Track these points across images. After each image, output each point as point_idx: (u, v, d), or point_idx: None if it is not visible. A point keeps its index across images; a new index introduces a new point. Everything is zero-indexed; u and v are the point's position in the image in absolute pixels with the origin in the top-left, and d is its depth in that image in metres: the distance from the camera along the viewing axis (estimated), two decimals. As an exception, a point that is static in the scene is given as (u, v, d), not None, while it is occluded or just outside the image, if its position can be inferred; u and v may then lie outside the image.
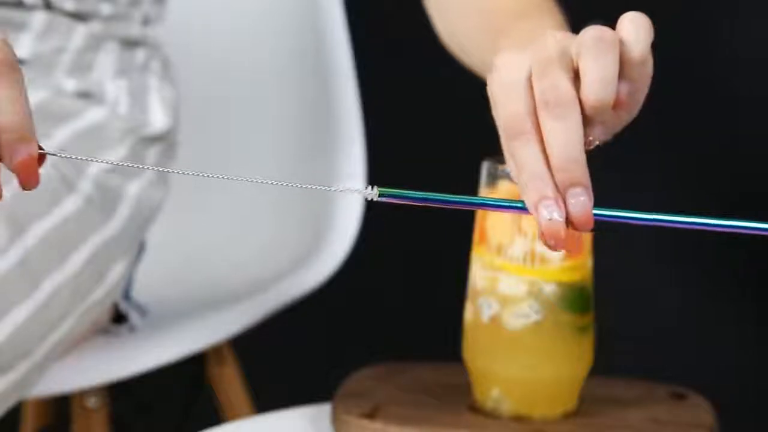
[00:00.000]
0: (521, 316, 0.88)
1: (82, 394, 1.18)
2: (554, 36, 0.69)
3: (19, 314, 0.97)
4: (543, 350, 0.88)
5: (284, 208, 1.42)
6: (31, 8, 1.07)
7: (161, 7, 1.18)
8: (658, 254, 1.70)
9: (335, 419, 0.90)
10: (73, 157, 0.71)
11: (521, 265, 0.88)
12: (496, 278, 0.88)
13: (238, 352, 1.35)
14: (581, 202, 0.65)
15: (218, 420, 1.23)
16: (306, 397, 1.05)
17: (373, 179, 1.38)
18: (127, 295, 1.20)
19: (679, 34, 1.58)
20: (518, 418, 0.89)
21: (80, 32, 1.10)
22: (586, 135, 0.67)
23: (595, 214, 0.66)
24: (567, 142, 0.65)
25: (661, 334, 1.70)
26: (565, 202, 0.65)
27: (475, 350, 0.90)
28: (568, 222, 0.65)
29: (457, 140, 1.63)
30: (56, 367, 1.10)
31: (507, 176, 0.87)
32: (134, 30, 1.14)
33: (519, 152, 0.66)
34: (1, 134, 0.63)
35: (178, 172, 0.68)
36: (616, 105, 0.67)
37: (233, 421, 0.98)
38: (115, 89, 1.11)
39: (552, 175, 0.65)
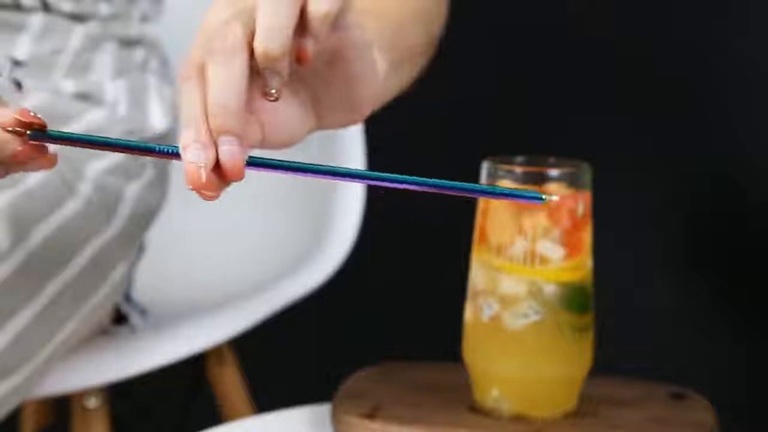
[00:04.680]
0: (521, 316, 0.88)
1: (82, 394, 1.18)
2: None
3: (22, 318, 0.97)
4: (543, 350, 0.88)
5: (284, 208, 1.42)
6: (29, 10, 1.07)
7: (158, 4, 1.18)
8: (657, 254, 1.70)
9: (335, 419, 0.90)
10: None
11: (521, 265, 0.88)
12: (496, 278, 0.88)
13: (238, 352, 1.35)
14: (230, 150, 0.64)
15: (218, 420, 1.23)
16: (306, 397, 1.05)
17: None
18: (127, 296, 1.20)
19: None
20: (518, 418, 0.89)
21: (78, 33, 1.09)
22: (262, 85, 0.66)
23: (248, 163, 0.65)
24: (224, 88, 0.64)
25: (660, 334, 1.70)
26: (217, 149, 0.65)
27: (475, 350, 0.90)
28: (220, 169, 0.65)
29: (457, 140, 1.63)
30: (56, 367, 1.10)
31: (507, 176, 0.87)
32: (132, 29, 1.14)
33: (182, 98, 0.66)
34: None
35: None
36: (301, 60, 0.67)
37: (233, 421, 0.98)
38: (114, 90, 1.11)
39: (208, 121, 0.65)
